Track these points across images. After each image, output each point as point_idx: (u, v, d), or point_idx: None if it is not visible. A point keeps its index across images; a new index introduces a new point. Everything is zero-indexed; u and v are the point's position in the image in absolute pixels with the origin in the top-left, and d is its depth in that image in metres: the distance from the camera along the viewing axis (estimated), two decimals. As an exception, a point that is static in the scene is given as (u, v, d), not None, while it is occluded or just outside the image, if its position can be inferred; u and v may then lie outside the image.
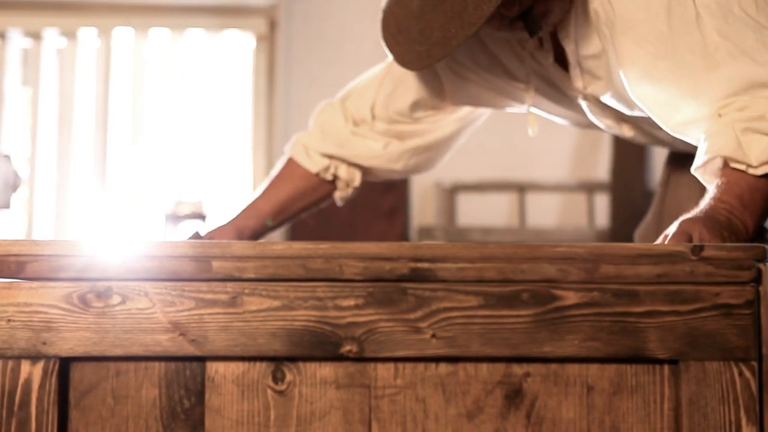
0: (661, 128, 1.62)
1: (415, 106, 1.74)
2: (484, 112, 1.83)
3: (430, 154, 1.83)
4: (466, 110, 1.80)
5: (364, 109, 1.77)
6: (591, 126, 1.74)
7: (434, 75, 1.71)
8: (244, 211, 1.76)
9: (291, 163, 1.80)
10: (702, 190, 1.72)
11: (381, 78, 1.77)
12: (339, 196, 1.81)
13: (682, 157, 1.80)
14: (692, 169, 1.35)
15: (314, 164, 1.77)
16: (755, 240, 1.49)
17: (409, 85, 1.73)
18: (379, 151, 1.77)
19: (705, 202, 1.25)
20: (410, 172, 1.85)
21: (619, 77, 1.47)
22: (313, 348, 1.02)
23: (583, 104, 1.63)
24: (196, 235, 1.66)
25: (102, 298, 1.02)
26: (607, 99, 1.56)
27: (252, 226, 1.74)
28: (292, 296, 1.02)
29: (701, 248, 1.02)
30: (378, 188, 4.11)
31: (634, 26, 1.41)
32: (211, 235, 1.68)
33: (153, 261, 1.03)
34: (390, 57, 1.56)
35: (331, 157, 1.77)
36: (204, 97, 4.58)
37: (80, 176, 4.52)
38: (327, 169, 1.78)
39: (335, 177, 1.79)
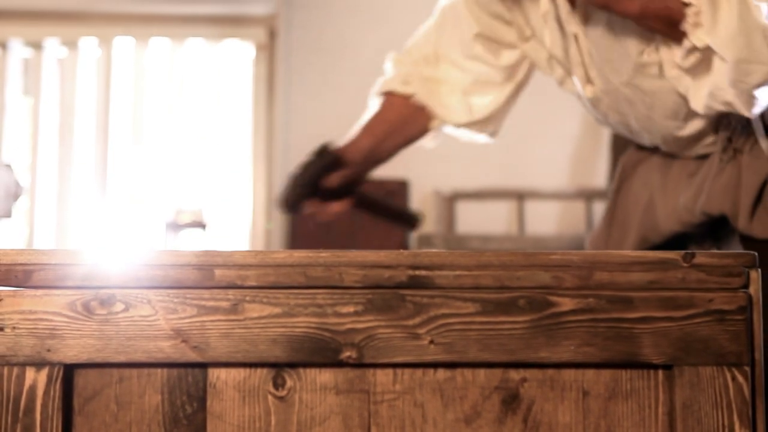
0: (624, 101, 1.66)
1: (478, 38, 1.80)
2: (529, 76, 1.88)
3: (500, 115, 1.88)
4: (519, 74, 1.85)
5: (429, 51, 1.85)
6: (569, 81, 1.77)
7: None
8: (345, 147, 1.81)
9: (388, 98, 1.86)
10: (650, 193, 1.79)
11: (435, 27, 1.86)
12: (434, 125, 1.86)
13: (632, 164, 1.84)
14: None
15: (410, 87, 1.84)
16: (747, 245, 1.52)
17: (468, 22, 1.81)
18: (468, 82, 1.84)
19: None
20: (487, 118, 1.87)
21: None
22: (313, 354, 1.04)
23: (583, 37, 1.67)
24: (323, 151, 1.72)
25: (105, 306, 1.04)
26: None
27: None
28: (292, 303, 1.04)
29: (693, 255, 1.04)
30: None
31: None
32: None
33: (157, 269, 1.05)
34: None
35: (426, 79, 1.84)
36: (204, 105, 4.60)
37: (81, 185, 4.54)
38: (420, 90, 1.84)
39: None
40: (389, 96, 1.86)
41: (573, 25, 1.63)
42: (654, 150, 1.78)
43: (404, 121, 1.85)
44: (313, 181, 1.77)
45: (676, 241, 1.76)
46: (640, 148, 1.83)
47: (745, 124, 1.59)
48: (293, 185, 1.78)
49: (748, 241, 1.59)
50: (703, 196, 1.63)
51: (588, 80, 1.69)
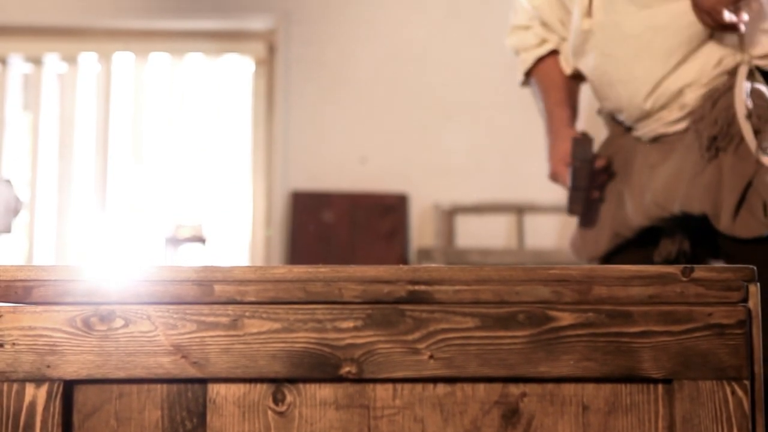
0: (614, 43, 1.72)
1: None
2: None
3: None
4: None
5: (528, 14, 1.95)
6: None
7: None
8: (556, 133, 1.86)
9: (538, 68, 1.93)
10: (618, 190, 1.83)
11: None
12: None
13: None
14: None
15: (547, 45, 1.92)
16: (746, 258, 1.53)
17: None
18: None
19: None
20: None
21: None
22: (313, 369, 1.04)
23: None
24: (585, 145, 1.76)
25: (105, 322, 1.04)
26: None
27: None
28: (292, 319, 1.04)
29: (692, 269, 1.04)
30: (377, 211, 4.13)
31: None
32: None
33: (157, 285, 1.05)
34: None
35: (550, 29, 1.91)
36: (204, 120, 4.61)
37: (81, 200, 4.54)
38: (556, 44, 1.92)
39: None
40: (538, 66, 1.93)
41: None
42: (618, 134, 1.84)
43: (565, 74, 1.92)
44: (590, 179, 1.80)
45: (647, 234, 1.79)
46: (607, 145, 1.88)
47: (732, 122, 1.62)
48: (583, 194, 1.81)
49: (729, 240, 1.62)
50: (682, 194, 1.66)
51: (588, 13, 1.76)
